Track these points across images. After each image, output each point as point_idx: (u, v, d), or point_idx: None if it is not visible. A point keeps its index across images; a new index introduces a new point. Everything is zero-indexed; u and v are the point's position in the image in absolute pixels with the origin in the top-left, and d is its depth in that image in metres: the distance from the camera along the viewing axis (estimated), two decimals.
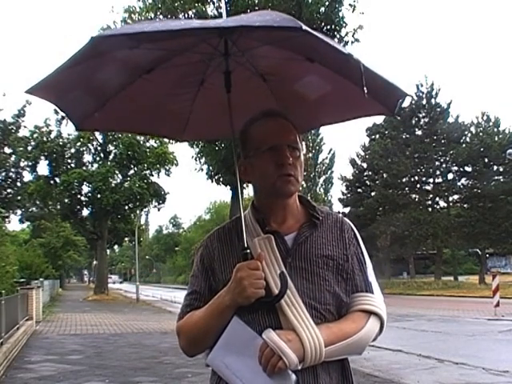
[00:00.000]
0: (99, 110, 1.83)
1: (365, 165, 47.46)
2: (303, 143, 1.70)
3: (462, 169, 43.42)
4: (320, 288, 1.53)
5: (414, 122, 44.06)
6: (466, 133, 43.43)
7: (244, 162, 1.64)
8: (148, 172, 36.62)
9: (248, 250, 1.51)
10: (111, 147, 36.62)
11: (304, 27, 1.21)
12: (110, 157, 36.65)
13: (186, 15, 18.12)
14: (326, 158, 56.77)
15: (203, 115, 1.99)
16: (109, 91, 1.79)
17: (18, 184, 36.06)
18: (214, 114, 1.89)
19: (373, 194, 46.19)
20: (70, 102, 1.77)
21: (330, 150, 57.01)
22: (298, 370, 1.44)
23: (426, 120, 43.82)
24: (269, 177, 1.57)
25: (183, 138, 2.17)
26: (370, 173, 46.95)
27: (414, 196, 44.96)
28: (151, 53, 1.65)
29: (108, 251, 53.13)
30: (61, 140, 35.76)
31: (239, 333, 1.48)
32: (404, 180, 44.24)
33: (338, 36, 18.27)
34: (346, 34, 18.56)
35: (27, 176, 36.11)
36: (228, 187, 21.19)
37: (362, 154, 47.79)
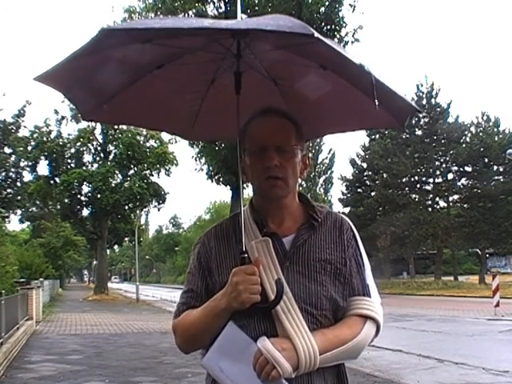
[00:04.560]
0: (108, 102, 1.80)
1: (365, 165, 47.43)
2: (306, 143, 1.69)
3: (462, 169, 43.42)
4: (317, 293, 1.51)
5: (413, 121, 43.94)
6: (466, 133, 43.41)
7: (242, 161, 1.62)
8: (148, 172, 36.68)
9: (246, 255, 1.49)
10: (111, 147, 36.65)
11: (316, 34, 1.20)
12: (110, 157, 36.69)
13: (186, 15, 18.10)
14: (326, 157, 56.99)
15: (211, 115, 1.97)
16: (118, 84, 1.76)
17: (18, 184, 36.00)
18: (222, 115, 1.88)
19: (373, 194, 46.17)
20: (78, 93, 1.74)
21: (330, 150, 57.20)
22: (292, 378, 1.43)
23: (426, 120, 43.76)
24: (257, 178, 1.57)
25: (191, 136, 2.16)
26: (370, 173, 46.93)
27: (414, 196, 44.91)
28: (163, 49, 1.62)
29: (108, 251, 53.17)
30: (61, 140, 35.80)
31: (234, 338, 1.47)
32: (404, 180, 44.20)
33: (337, 36, 18.30)
34: (346, 34, 18.60)
35: (27, 176, 36.20)
36: (228, 187, 21.21)
37: (362, 154, 47.76)
